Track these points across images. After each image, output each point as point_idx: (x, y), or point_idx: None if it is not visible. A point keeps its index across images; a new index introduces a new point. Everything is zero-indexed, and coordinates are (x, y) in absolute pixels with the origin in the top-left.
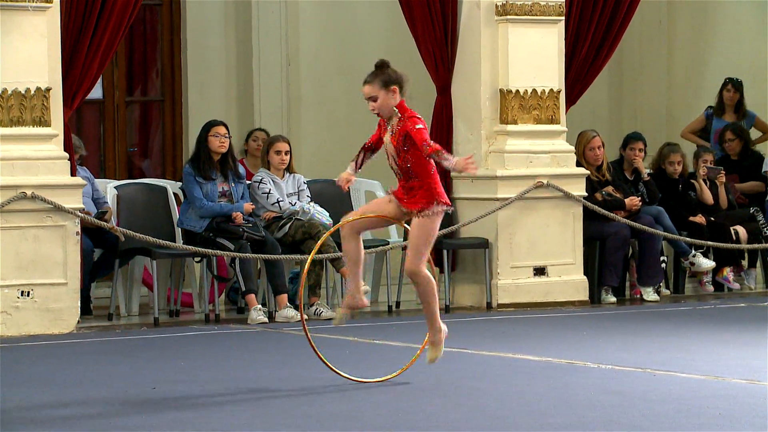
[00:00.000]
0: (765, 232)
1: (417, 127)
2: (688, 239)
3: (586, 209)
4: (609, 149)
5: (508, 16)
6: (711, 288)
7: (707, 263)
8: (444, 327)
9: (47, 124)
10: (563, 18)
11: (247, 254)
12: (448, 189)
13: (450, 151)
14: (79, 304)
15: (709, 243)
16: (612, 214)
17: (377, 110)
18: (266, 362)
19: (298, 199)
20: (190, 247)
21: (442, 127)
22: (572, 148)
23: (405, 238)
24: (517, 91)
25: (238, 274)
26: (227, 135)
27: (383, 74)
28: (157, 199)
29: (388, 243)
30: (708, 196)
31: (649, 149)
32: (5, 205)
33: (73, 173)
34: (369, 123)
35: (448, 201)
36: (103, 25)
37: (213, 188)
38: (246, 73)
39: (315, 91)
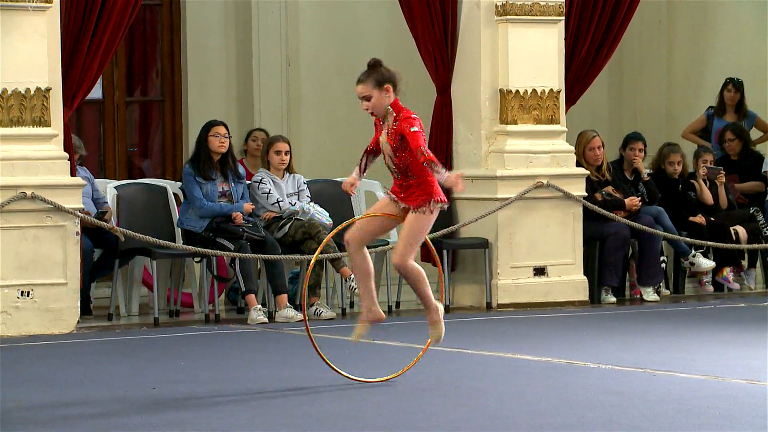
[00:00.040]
0: (765, 232)
1: (413, 130)
2: (688, 239)
3: (586, 209)
4: (609, 149)
5: (508, 16)
6: (711, 288)
7: (707, 263)
8: (439, 305)
9: (47, 124)
10: (563, 18)
11: (247, 254)
12: (448, 189)
13: (450, 151)
14: (79, 304)
15: (709, 243)
16: (612, 214)
17: (371, 110)
18: (266, 362)
19: (298, 199)
20: (190, 247)
21: (442, 127)
22: (572, 148)
23: None
24: (517, 91)
25: (238, 274)
26: (227, 135)
27: (376, 73)
28: (157, 199)
29: (388, 243)
30: (708, 196)
31: (649, 149)
32: (5, 205)
33: (73, 173)
34: (369, 123)
35: (445, 198)
36: (103, 25)
37: (213, 188)
38: (246, 73)
39: (315, 91)
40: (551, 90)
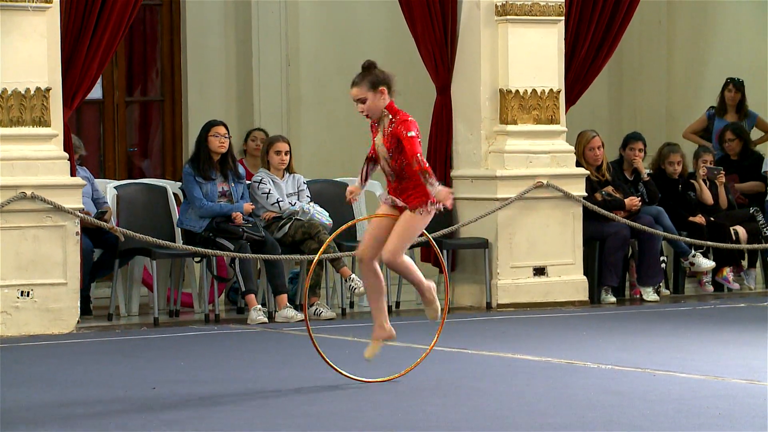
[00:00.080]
0: (765, 232)
1: (410, 135)
2: (687, 239)
3: (585, 209)
4: (609, 149)
5: (508, 16)
6: (711, 288)
7: (707, 263)
8: (431, 284)
9: (47, 124)
10: (563, 18)
11: (246, 254)
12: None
13: (450, 151)
14: (79, 304)
15: (709, 243)
16: (612, 214)
17: (366, 112)
18: (266, 362)
19: (298, 199)
20: (189, 247)
21: (442, 128)
22: (572, 148)
23: None
24: (517, 91)
25: (237, 274)
26: (227, 135)
27: (371, 75)
28: (156, 199)
29: None
30: (708, 196)
31: (648, 149)
32: (5, 205)
33: (72, 173)
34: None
35: None
36: (103, 25)
37: (213, 188)
38: (246, 73)
39: (315, 91)
40: (551, 90)
